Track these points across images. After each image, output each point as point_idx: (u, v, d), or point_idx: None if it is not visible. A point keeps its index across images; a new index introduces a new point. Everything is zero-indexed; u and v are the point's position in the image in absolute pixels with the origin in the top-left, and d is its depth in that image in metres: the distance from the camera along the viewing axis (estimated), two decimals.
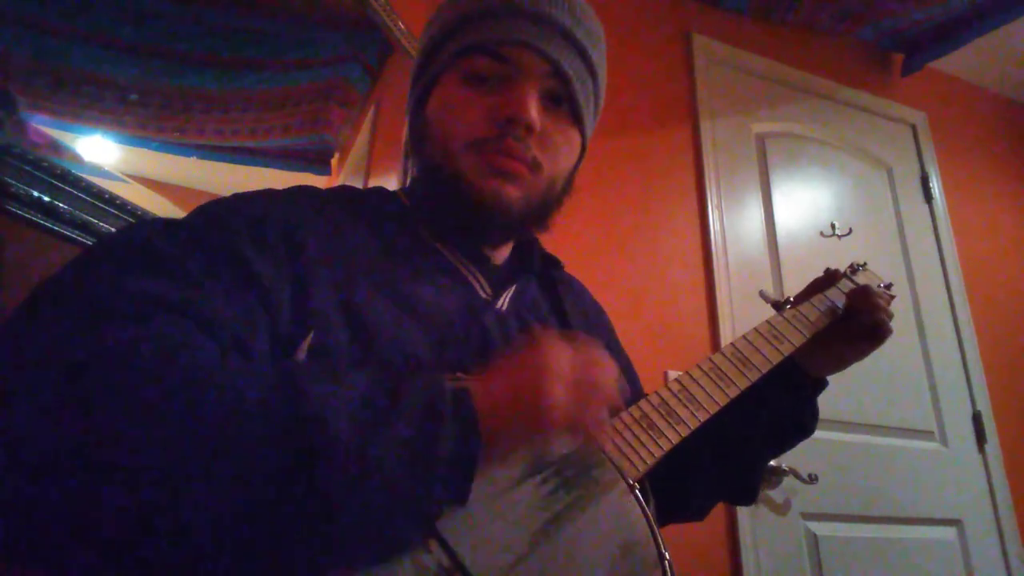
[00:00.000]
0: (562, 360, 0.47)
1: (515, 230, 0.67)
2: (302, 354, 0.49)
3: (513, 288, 0.68)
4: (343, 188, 0.69)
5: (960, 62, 2.35)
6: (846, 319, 0.77)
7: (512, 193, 0.61)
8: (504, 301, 0.66)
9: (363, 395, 0.40)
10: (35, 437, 0.33)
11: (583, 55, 0.64)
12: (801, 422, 0.77)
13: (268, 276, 0.49)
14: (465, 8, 0.64)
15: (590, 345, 0.50)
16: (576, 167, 0.70)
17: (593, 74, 0.66)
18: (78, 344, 0.36)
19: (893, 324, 0.77)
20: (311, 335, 0.49)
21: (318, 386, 0.39)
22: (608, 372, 0.49)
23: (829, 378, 0.80)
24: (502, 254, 0.71)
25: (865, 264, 0.88)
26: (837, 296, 0.80)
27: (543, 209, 0.66)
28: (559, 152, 0.64)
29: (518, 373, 0.46)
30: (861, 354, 0.77)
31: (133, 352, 0.36)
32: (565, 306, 0.73)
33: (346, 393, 0.39)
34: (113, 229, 0.86)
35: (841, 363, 0.78)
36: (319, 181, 1.35)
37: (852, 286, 0.82)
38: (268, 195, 0.59)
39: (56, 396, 0.34)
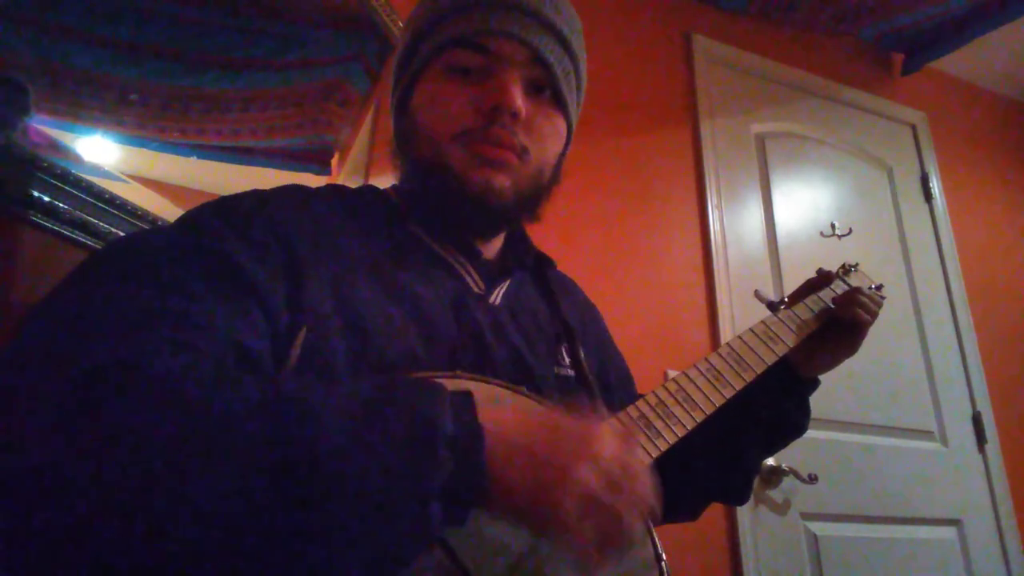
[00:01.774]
0: (597, 459, 0.41)
1: (506, 220, 0.68)
2: (296, 350, 0.49)
3: (506, 283, 0.68)
4: (332, 186, 0.69)
5: (960, 62, 2.35)
6: (836, 319, 0.78)
7: (502, 182, 0.61)
8: (497, 296, 0.66)
9: (360, 412, 0.38)
10: (33, 454, 0.34)
11: (563, 42, 0.64)
12: (794, 421, 0.77)
13: (262, 279, 0.49)
14: (443, 3, 0.64)
15: (632, 452, 0.44)
16: (563, 154, 0.71)
17: (574, 60, 0.67)
18: (80, 361, 0.37)
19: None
20: (304, 331, 0.49)
21: (315, 409, 0.37)
22: (642, 489, 0.42)
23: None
24: (493, 248, 0.71)
25: (857, 265, 0.88)
26: (829, 297, 0.81)
27: (533, 197, 0.66)
28: (546, 138, 0.65)
29: (549, 449, 0.40)
30: (847, 352, 0.78)
31: (134, 372, 0.37)
32: (558, 302, 0.73)
33: (339, 419, 0.37)
34: (113, 229, 0.87)
35: (832, 362, 0.79)
36: (319, 181, 1.35)
37: (845, 286, 0.82)
38: (255, 196, 0.59)
39: (56, 413, 0.34)
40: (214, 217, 0.53)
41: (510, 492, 0.39)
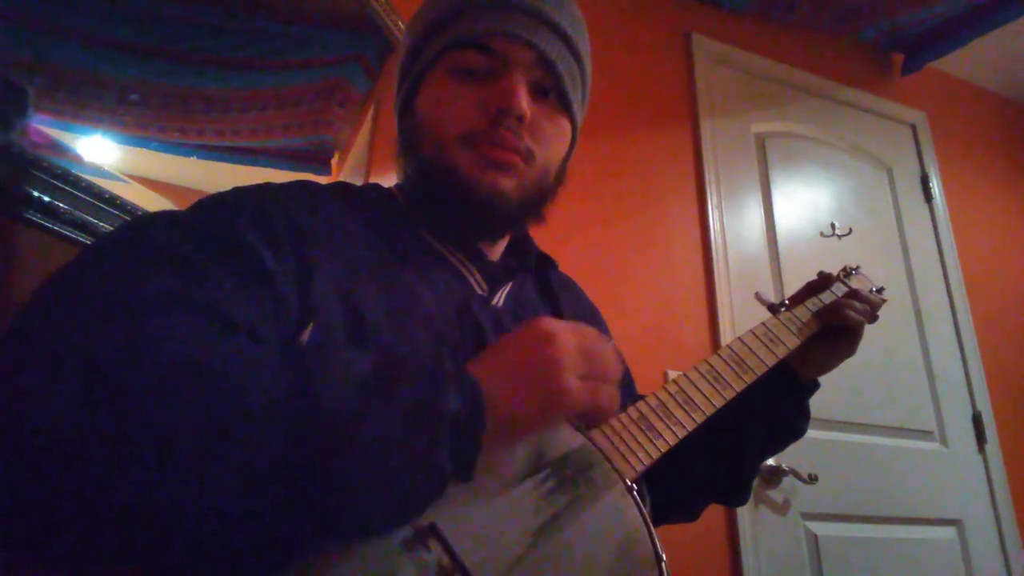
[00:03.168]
0: (570, 344, 0.48)
1: (512, 222, 0.68)
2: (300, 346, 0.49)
3: (509, 285, 0.68)
4: (340, 184, 0.70)
5: (960, 62, 2.35)
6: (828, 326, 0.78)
7: (507, 184, 0.61)
8: (500, 298, 0.66)
9: (366, 371, 0.41)
10: (49, 432, 0.33)
11: (568, 43, 0.64)
12: (793, 423, 0.77)
13: (277, 270, 0.50)
14: (449, 4, 0.64)
15: (589, 330, 0.52)
16: (568, 156, 0.71)
17: (579, 62, 0.67)
18: (96, 340, 0.36)
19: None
20: (310, 328, 0.50)
21: (323, 372, 0.39)
22: (613, 357, 0.51)
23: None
24: (497, 250, 0.71)
25: (858, 267, 0.88)
26: (829, 299, 0.81)
27: (538, 200, 0.66)
28: (551, 141, 0.65)
29: (525, 355, 0.48)
30: (847, 352, 0.78)
31: (150, 350, 0.36)
32: (561, 305, 0.73)
33: (349, 373, 0.40)
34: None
35: (832, 363, 0.79)
36: (319, 181, 1.36)
37: (846, 289, 0.82)
38: (269, 188, 0.59)
39: (73, 392, 0.34)
40: (232, 207, 0.53)
41: (512, 409, 0.45)
